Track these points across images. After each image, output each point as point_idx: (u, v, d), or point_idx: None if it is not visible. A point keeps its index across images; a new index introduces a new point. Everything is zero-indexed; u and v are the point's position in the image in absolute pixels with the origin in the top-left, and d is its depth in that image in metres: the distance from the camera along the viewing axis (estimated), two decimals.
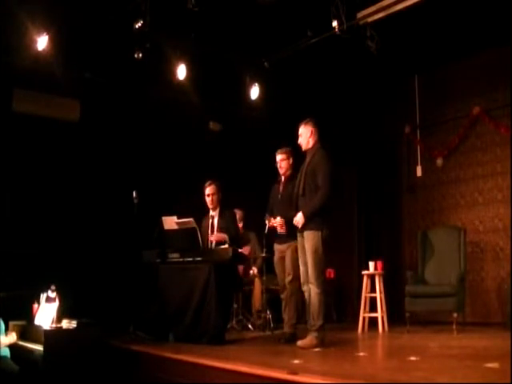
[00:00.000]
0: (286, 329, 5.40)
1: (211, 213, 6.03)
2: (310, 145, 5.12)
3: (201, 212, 6.02)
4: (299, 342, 4.86)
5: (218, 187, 5.99)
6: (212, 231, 5.92)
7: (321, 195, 4.88)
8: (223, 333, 5.30)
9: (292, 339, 5.24)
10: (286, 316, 5.43)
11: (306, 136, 5.13)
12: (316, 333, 4.84)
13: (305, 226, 4.91)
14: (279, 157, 5.62)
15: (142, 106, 7.61)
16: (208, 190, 5.97)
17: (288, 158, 5.61)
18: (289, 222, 5.40)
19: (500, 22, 6.27)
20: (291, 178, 5.54)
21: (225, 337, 5.31)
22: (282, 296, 5.54)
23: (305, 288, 5.01)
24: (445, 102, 7.81)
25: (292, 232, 5.39)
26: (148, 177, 7.26)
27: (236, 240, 5.86)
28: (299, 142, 5.18)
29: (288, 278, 5.39)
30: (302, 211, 4.91)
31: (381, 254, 7.43)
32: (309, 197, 4.93)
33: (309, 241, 4.87)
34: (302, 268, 5.03)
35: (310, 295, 4.96)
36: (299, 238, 5.03)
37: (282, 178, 5.64)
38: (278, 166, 5.62)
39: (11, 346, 4.93)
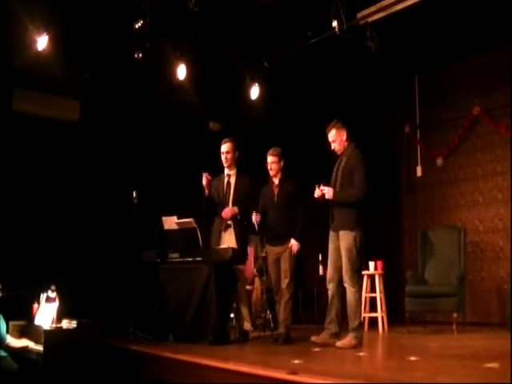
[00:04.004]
0: (281, 329, 5.38)
1: (226, 171, 5.75)
2: (345, 147, 5.10)
3: (200, 212, 6.00)
4: (338, 343, 4.78)
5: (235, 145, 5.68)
6: (228, 191, 5.67)
7: (355, 192, 4.90)
8: (223, 333, 5.29)
9: (288, 340, 5.25)
10: (280, 316, 5.41)
11: (341, 140, 5.09)
12: (354, 332, 4.81)
13: (339, 226, 4.92)
14: (270, 159, 5.59)
15: (142, 106, 7.59)
16: (224, 148, 5.68)
17: (279, 161, 5.58)
18: (286, 224, 5.41)
19: (500, 23, 6.27)
20: (284, 180, 5.56)
21: (225, 337, 5.30)
22: (276, 297, 5.54)
23: (329, 286, 5.00)
24: (445, 102, 7.80)
25: (289, 233, 5.39)
26: (148, 177, 7.25)
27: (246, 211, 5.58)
28: (333, 147, 5.13)
29: (285, 281, 5.36)
30: (334, 192, 4.89)
31: (381, 254, 7.42)
32: None
33: (343, 240, 4.88)
34: (330, 267, 5.02)
35: (334, 294, 4.94)
36: (332, 238, 5.01)
37: (276, 181, 5.62)
38: (269, 167, 5.60)
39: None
